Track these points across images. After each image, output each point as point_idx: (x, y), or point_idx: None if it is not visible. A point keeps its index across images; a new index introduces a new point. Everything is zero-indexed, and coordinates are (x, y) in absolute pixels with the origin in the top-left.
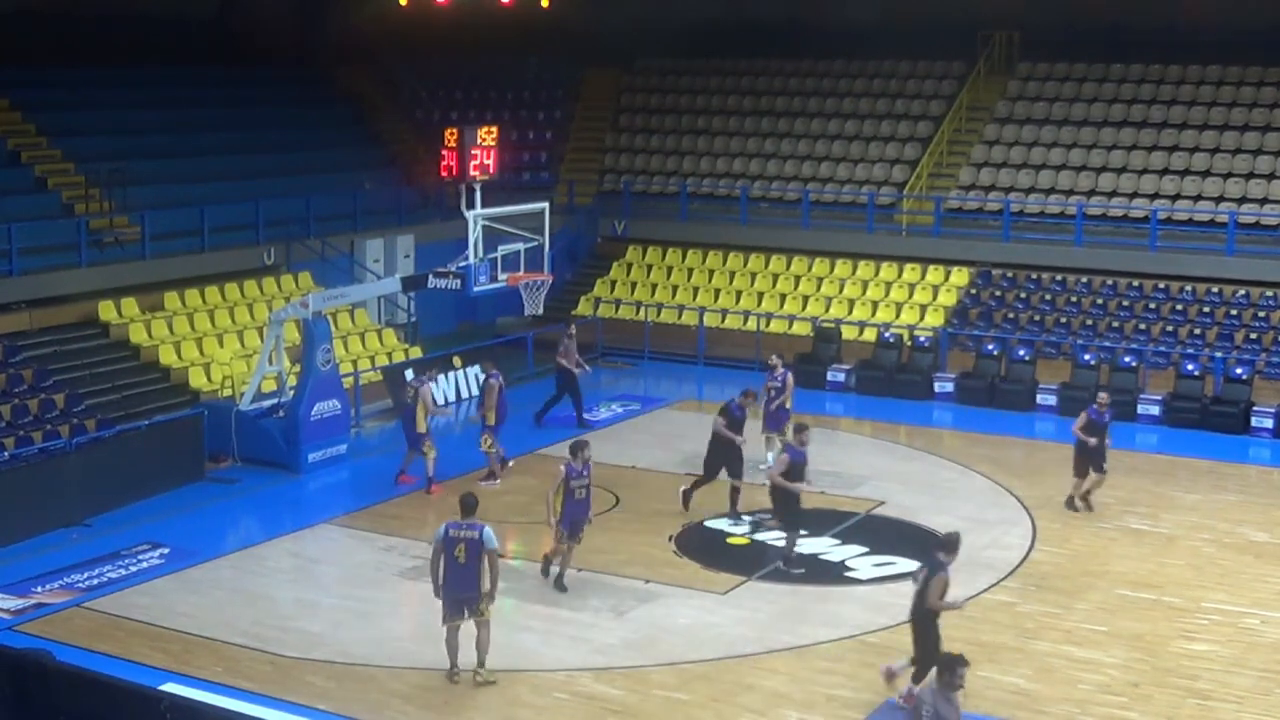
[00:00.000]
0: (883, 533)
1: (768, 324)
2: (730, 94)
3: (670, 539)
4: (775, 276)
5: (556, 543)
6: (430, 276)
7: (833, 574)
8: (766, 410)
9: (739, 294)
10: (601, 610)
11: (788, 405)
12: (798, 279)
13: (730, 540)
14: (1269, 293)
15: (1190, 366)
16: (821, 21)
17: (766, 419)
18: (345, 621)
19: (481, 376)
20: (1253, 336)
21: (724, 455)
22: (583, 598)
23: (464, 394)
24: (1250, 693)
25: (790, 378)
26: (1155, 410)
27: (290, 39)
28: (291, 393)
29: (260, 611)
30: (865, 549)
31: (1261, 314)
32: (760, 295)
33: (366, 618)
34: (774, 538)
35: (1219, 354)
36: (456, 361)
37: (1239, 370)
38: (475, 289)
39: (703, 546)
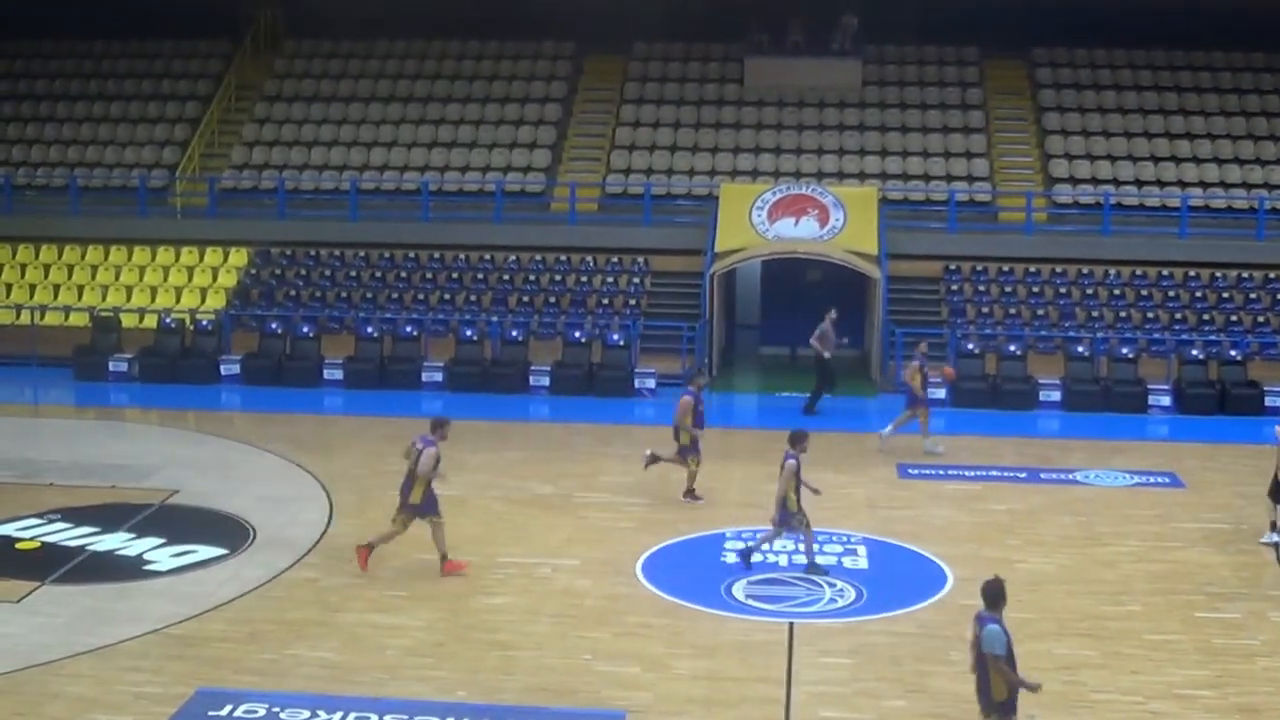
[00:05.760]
0: (179, 521)
1: (42, 317)
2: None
3: None
4: (47, 267)
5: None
6: None
7: (131, 569)
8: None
9: (9, 287)
10: None
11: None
12: (71, 268)
13: (19, 546)
14: (539, 258)
15: (470, 332)
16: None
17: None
18: None
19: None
20: (524, 299)
21: None
22: None
23: None
24: (548, 638)
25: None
26: (439, 377)
27: None
28: None
29: None
30: (162, 540)
31: (532, 277)
32: (32, 288)
33: None
34: (67, 539)
35: (495, 318)
36: None
37: (514, 333)
38: None
39: None
